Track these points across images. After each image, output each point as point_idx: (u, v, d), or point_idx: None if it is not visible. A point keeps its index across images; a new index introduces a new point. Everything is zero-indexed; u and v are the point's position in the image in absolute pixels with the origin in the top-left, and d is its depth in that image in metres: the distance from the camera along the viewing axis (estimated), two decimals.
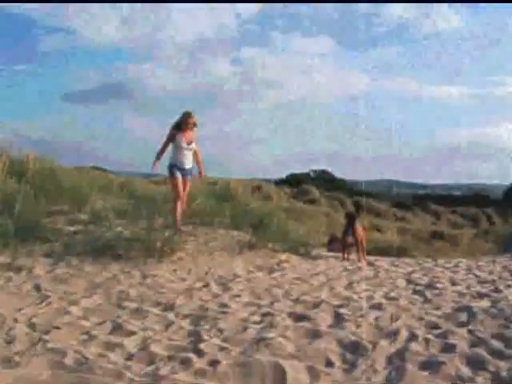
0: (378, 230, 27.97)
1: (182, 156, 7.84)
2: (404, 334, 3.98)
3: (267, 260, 7.31)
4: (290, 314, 4.54)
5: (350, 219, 8.14)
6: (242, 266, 6.81)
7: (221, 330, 4.15)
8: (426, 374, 3.28)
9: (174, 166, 7.85)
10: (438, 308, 4.78)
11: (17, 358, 3.44)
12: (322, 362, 3.54)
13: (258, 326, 4.23)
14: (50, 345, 3.79)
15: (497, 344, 3.73)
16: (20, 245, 6.65)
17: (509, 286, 5.81)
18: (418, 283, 6.09)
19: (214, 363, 3.46)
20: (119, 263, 6.39)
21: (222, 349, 3.76)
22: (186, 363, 3.48)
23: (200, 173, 8.30)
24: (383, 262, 8.00)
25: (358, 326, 4.18)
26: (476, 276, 6.73)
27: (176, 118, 7.91)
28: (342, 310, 4.63)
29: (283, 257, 7.60)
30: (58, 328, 4.18)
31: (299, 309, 4.77)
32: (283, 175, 54.27)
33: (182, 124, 7.81)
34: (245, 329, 4.18)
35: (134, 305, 4.87)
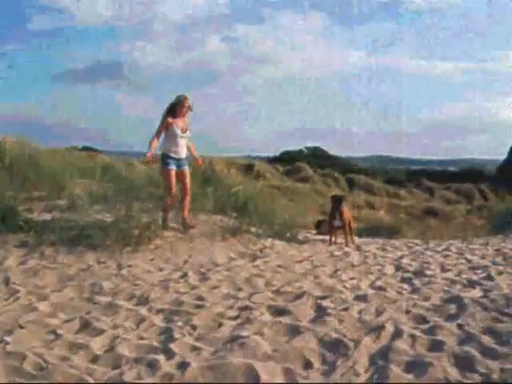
0: (371, 206, 27.90)
1: (177, 145, 7.06)
2: (389, 329, 3.71)
3: (250, 246, 7.02)
4: (269, 308, 4.28)
5: (337, 202, 7.84)
6: (224, 254, 6.52)
7: (194, 327, 3.90)
8: (410, 376, 3.03)
9: (169, 157, 7.05)
10: (426, 299, 4.50)
11: None
12: (300, 363, 3.30)
13: (233, 323, 3.98)
14: (9, 347, 3.56)
15: (488, 340, 3.47)
16: None
17: (501, 273, 5.51)
18: (407, 270, 5.82)
19: (182, 366, 3.22)
20: (95, 253, 6.10)
21: (193, 349, 3.52)
22: (153, 366, 3.26)
23: (197, 159, 7.62)
24: (372, 246, 7.72)
25: (340, 321, 3.91)
26: (468, 261, 6.45)
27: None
28: (325, 303, 4.36)
29: (267, 242, 7.31)
30: (22, 328, 3.94)
31: (279, 301, 4.50)
32: (277, 153, 54.17)
33: (177, 108, 7.06)
34: (220, 325, 3.93)
35: (106, 299, 4.63)
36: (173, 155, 7.05)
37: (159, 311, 4.29)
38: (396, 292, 4.79)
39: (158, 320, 4.09)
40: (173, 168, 7.01)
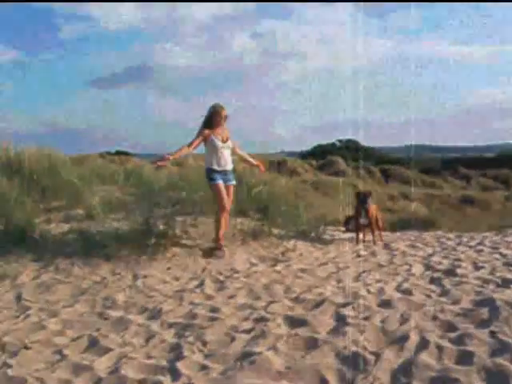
0: (406, 197, 27.34)
1: (220, 157, 6.51)
2: (414, 339, 3.40)
3: (272, 249, 6.73)
4: (286, 318, 4.00)
5: (362, 199, 7.44)
6: (244, 258, 6.26)
7: (205, 343, 3.67)
8: None
9: (213, 171, 6.52)
10: (455, 302, 4.15)
11: None
12: (315, 381, 3.03)
13: (247, 336, 3.72)
14: (11, 372, 3.42)
15: None
16: (10, 249, 6.32)
17: None
18: (437, 269, 5.45)
19: None
20: (110, 264, 5.94)
21: (201, 368, 3.30)
22: None
23: (258, 166, 7.07)
24: (401, 244, 7.34)
25: (361, 332, 3.62)
26: (502, 256, 6.03)
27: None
28: (346, 311, 4.06)
29: (290, 244, 7.02)
30: (27, 348, 3.80)
31: (298, 310, 4.23)
32: (309, 147, 53.74)
33: (215, 119, 6.54)
34: (232, 340, 3.68)
35: (117, 313, 4.48)
36: (217, 168, 6.53)
37: (171, 325, 4.10)
38: (423, 295, 4.45)
39: (169, 336, 3.89)
40: (220, 182, 6.50)
